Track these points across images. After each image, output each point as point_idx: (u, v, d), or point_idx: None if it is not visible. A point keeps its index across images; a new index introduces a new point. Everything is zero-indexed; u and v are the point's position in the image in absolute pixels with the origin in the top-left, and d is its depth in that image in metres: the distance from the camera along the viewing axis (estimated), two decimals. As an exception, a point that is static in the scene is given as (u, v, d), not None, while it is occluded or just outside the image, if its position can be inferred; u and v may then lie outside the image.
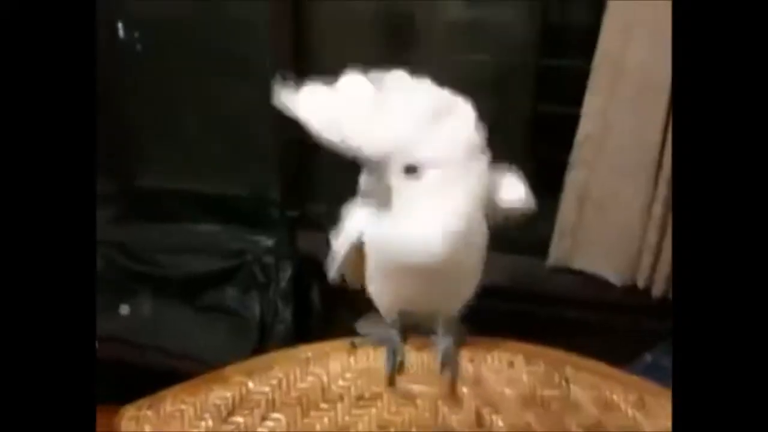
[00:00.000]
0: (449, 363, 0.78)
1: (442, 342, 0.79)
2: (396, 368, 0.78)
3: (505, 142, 1.63)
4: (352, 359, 0.81)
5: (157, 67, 1.58)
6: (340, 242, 0.77)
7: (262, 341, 1.38)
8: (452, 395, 0.78)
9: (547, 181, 1.53)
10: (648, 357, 1.36)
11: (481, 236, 0.73)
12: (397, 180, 0.66)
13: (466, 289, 0.79)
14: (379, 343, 0.80)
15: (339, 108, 0.64)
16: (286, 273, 1.40)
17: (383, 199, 0.67)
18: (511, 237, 1.64)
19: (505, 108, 1.62)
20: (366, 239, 0.74)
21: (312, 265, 1.46)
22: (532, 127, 1.62)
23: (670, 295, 1.41)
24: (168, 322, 1.41)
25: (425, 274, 0.70)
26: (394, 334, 0.80)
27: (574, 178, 1.43)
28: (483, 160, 0.69)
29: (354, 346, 0.80)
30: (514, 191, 0.74)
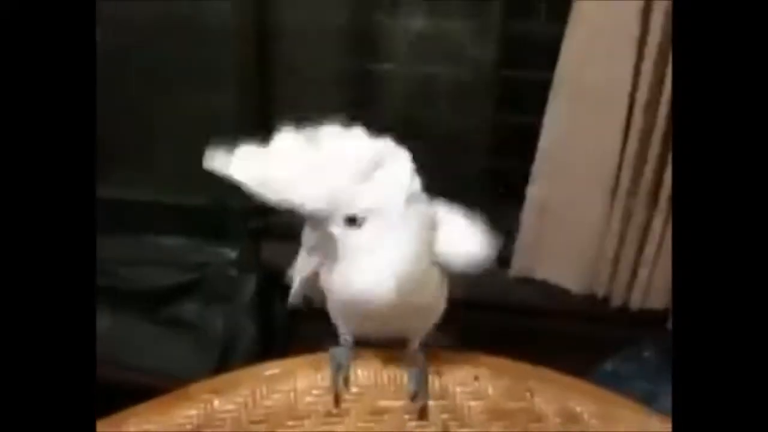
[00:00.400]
0: (421, 390, 0.78)
1: (413, 369, 0.79)
2: (339, 386, 0.78)
3: (465, 154, 1.67)
4: (318, 376, 0.80)
5: (118, 75, 1.55)
6: (297, 268, 0.77)
7: (225, 356, 1.36)
8: (423, 418, 0.79)
9: (508, 192, 1.56)
10: (608, 365, 1.38)
11: (435, 274, 0.73)
12: (339, 231, 0.67)
13: (427, 320, 0.79)
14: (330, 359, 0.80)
15: (274, 167, 0.65)
16: (250, 286, 1.39)
17: (330, 251, 0.69)
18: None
19: (466, 119, 1.64)
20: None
21: (276, 278, 1.45)
22: (492, 138, 1.63)
23: (629, 304, 1.44)
24: (127, 337, 1.39)
25: (378, 316, 0.72)
26: (341, 350, 0.80)
27: (534, 190, 1.46)
28: (424, 205, 0.71)
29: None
30: (465, 244, 0.74)
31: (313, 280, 0.77)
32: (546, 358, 0.86)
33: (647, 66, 1.30)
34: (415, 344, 0.81)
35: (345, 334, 0.81)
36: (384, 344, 0.81)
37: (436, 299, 0.77)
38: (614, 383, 1.28)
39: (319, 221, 0.67)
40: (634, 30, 1.29)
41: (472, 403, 0.79)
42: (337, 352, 0.81)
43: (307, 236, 0.69)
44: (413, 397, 0.78)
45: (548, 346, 0.95)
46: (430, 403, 0.79)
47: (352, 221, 0.67)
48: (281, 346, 1.42)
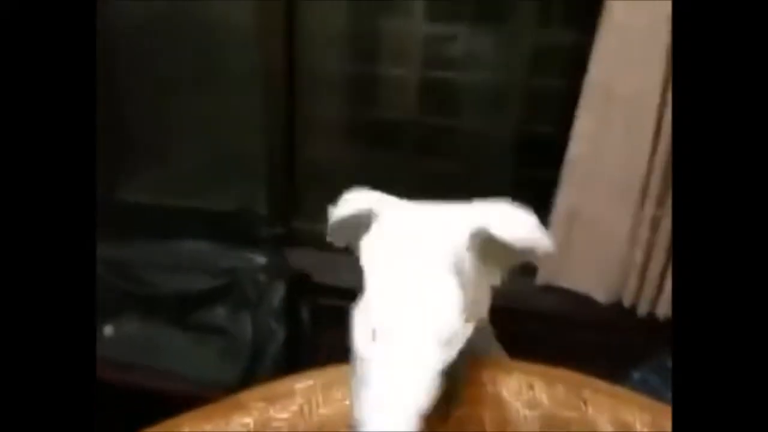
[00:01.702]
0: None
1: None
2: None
3: (492, 163, 1.67)
4: (373, 383, 0.80)
5: (146, 80, 1.55)
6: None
7: (254, 361, 1.36)
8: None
9: (534, 201, 1.56)
10: (635, 375, 1.38)
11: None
12: None
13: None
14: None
15: None
16: (279, 291, 1.39)
17: None
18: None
19: (493, 128, 1.64)
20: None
21: (304, 284, 1.46)
22: (520, 147, 1.64)
23: (656, 314, 1.45)
24: (157, 342, 1.38)
25: None
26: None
27: (563, 199, 1.46)
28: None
29: None
30: (522, 226, 0.73)
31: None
32: (572, 368, 0.86)
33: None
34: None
35: None
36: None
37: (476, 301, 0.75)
38: (641, 393, 1.28)
39: None
40: (664, 37, 1.29)
41: (527, 412, 0.79)
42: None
43: None
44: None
45: (574, 355, 0.95)
46: (486, 412, 0.79)
47: None
48: (309, 352, 1.42)
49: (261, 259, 1.40)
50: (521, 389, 0.80)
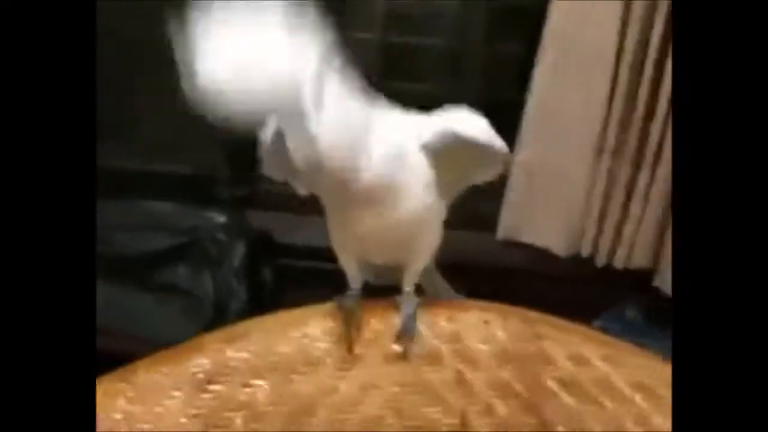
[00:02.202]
0: (407, 332, 0.78)
1: (404, 308, 0.79)
2: (351, 333, 0.78)
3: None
4: (330, 323, 0.80)
5: (104, 45, 1.51)
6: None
7: (216, 320, 1.35)
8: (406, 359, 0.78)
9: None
10: (595, 324, 1.41)
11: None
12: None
13: (422, 246, 0.78)
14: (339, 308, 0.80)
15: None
16: (239, 250, 1.38)
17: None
18: (459, 212, 1.68)
19: (451, 90, 1.64)
20: None
21: (265, 242, 1.45)
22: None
23: (613, 264, 1.47)
24: (118, 302, 1.36)
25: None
26: (351, 298, 0.80)
27: (521, 154, 1.47)
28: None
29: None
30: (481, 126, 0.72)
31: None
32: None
33: (633, 26, 1.32)
34: (410, 283, 0.81)
35: (350, 277, 0.81)
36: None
37: (428, 216, 0.75)
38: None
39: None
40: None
41: (483, 347, 0.80)
42: (346, 299, 0.81)
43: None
44: (398, 339, 0.78)
45: (536, 308, 0.97)
46: (443, 347, 0.80)
47: None
48: (271, 310, 1.41)
49: (221, 218, 1.39)
50: (477, 325, 0.81)
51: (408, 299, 0.80)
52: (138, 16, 1.54)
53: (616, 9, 1.32)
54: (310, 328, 0.80)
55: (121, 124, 1.53)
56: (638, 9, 1.31)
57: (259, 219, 1.52)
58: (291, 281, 1.49)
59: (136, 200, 1.43)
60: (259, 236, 1.44)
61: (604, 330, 1.38)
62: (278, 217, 1.51)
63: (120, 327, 1.33)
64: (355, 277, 0.81)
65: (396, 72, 1.67)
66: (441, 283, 0.85)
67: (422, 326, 0.80)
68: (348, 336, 0.78)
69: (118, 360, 0.83)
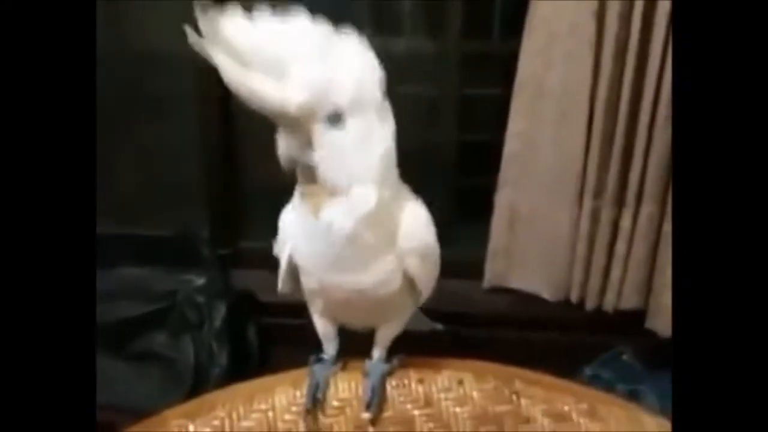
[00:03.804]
0: (374, 400, 0.76)
1: (372, 376, 0.78)
2: (314, 403, 0.76)
3: (430, 170, 1.66)
4: (297, 392, 0.78)
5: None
6: (279, 252, 0.76)
7: (197, 386, 1.31)
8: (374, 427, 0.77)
9: (475, 206, 1.56)
10: (587, 370, 1.37)
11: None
12: (319, 135, 0.63)
13: (393, 311, 0.77)
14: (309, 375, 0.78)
15: (251, 67, 0.59)
16: (220, 312, 1.35)
17: (307, 161, 0.64)
18: (445, 260, 1.66)
19: (429, 138, 1.64)
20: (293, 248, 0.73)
21: (246, 303, 1.42)
22: (456, 155, 1.63)
23: (603, 307, 1.44)
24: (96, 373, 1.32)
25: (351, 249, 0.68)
26: (323, 365, 0.79)
27: (502, 198, 1.45)
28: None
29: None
30: (412, 227, 0.71)
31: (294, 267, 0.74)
32: (524, 368, 0.85)
33: (605, 67, 1.31)
34: (379, 349, 0.79)
35: (326, 342, 0.79)
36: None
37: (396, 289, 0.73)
38: (596, 387, 1.27)
39: (296, 125, 0.62)
40: (590, 32, 1.30)
41: (458, 409, 0.77)
42: (317, 368, 0.78)
43: (284, 147, 0.64)
44: (367, 407, 0.76)
45: (525, 356, 0.94)
46: (415, 412, 0.77)
47: (336, 119, 0.62)
48: (254, 373, 1.38)
49: (200, 280, 1.36)
50: (451, 385, 0.78)
51: (376, 367, 0.78)
52: (115, 75, 1.55)
53: (586, 49, 1.31)
54: (277, 398, 0.77)
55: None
56: (608, 48, 1.31)
57: (241, 278, 1.50)
58: (276, 339, 1.46)
59: (111, 266, 1.41)
60: (241, 296, 1.42)
61: (597, 377, 1.35)
62: (261, 275, 1.49)
63: (99, 398, 1.29)
64: (330, 343, 0.79)
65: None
66: (417, 314, 0.83)
67: (393, 391, 0.77)
68: (308, 407, 0.76)
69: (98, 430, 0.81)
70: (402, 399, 0.77)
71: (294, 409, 0.76)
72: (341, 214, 0.64)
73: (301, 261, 0.72)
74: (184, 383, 1.31)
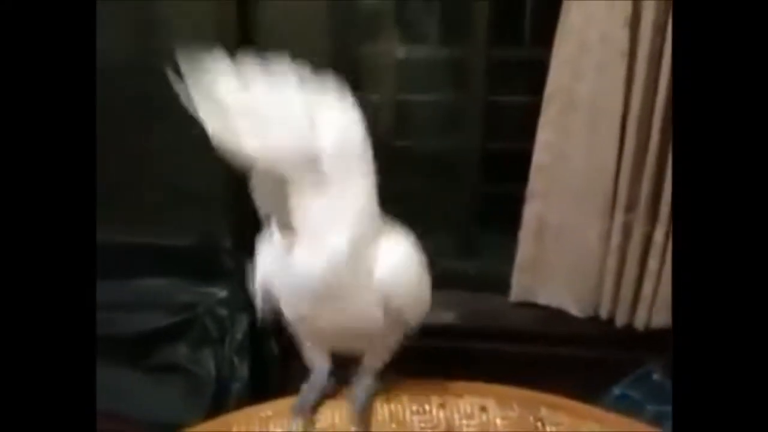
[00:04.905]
0: (362, 416, 0.76)
1: (359, 392, 0.77)
2: (308, 408, 0.77)
3: (455, 179, 1.63)
4: (314, 416, 0.76)
5: (98, 116, 1.51)
6: (256, 284, 0.78)
7: (218, 399, 1.30)
8: None
9: (502, 215, 1.52)
10: (615, 390, 1.33)
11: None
12: (298, 187, 0.64)
13: (379, 340, 0.77)
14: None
15: (236, 120, 0.61)
16: (242, 326, 1.33)
17: (284, 211, 0.66)
18: (471, 274, 1.64)
19: (454, 146, 1.61)
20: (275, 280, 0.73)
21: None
22: (483, 165, 1.60)
23: (634, 324, 1.39)
24: (115, 386, 1.32)
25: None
26: (313, 388, 0.79)
27: (530, 210, 1.42)
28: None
29: None
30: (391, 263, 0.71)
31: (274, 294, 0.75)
32: (551, 386, 0.82)
33: (639, 77, 1.27)
34: (367, 372, 0.79)
35: (316, 367, 0.79)
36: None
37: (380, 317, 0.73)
38: (624, 408, 1.23)
39: (277, 177, 0.64)
40: (623, 42, 1.27)
41: (481, 437, 0.75)
42: (309, 391, 0.79)
43: (260, 197, 0.66)
44: (354, 424, 0.75)
45: (552, 373, 0.91)
46: (435, 439, 0.74)
47: (315, 172, 0.64)
48: (275, 386, 1.36)
49: (222, 293, 1.35)
50: (473, 411, 0.76)
51: (363, 385, 0.77)
52: (135, 83, 1.54)
53: (619, 59, 1.27)
54: (294, 423, 0.75)
55: (110, 194, 1.51)
56: (642, 57, 1.27)
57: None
58: (298, 354, 1.44)
59: (131, 277, 1.40)
60: (263, 309, 1.40)
61: (626, 396, 1.31)
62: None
63: (118, 409, 1.28)
64: (321, 368, 0.79)
65: (401, 129, 1.64)
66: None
67: (413, 417, 0.75)
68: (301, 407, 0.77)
69: None
70: (423, 425, 0.75)
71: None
72: (313, 260, 0.66)
73: (279, 293, 0.72)
74: (205, 397, 1.30)
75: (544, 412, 0.76)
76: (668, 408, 1.25)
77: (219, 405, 1.29)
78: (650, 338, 1.38)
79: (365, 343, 0.76)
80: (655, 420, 1.18)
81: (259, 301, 0.76)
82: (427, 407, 0.76)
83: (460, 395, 0.77)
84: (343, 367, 0.82)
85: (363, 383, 0.78)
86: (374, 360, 0.78)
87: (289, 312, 0.75)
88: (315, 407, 0.76)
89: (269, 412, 0.77)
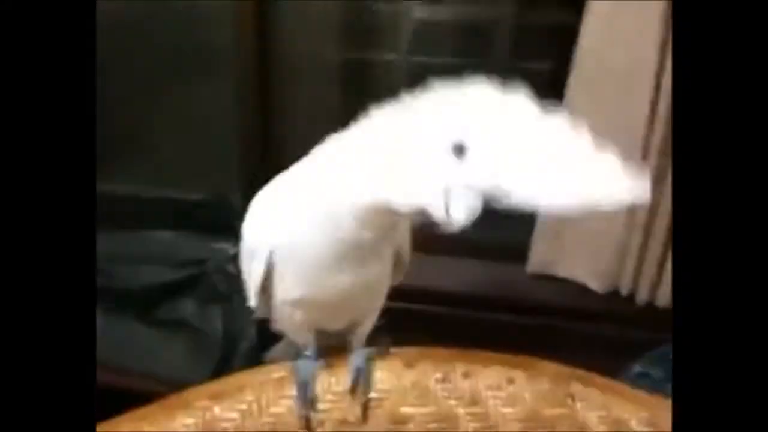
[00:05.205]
0: (361, 383, 0.71)
1: (356, 359, 0.72)
2: (310, 404, 0.70)
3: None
4: (333, 379, 0.72)
5: (108, 67, 1.47)
6: (254, 266, 0.67)
7: (225, 358, 1.27)
8: (365, 418, 0.70)
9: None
10: (636, 367, 1.29)
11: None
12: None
13: (375, 299, 0.72)
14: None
15: None
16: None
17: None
18: (489, 243, 1.59)
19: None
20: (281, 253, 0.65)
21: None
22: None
23: (655, 302, 1.35)
24: (122, 339, 1.29)
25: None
26: (304, 365, 0.72)
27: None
28: None
29: None
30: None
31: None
32: (569, 361, 0.78)
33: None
34: (359, 340, 0.74)
35: (304, 343, 0.74)
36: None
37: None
38: (644, 386, 1.20)
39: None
40: (659, 11, 1.20)
41: (507, 410, 0.71)
42: (301, 365, 0.72)
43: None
44: (351, 391, 0.70)
45: (569, 348, 0.87)
46: (460, 410, 0.70)
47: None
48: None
49: (232, 249, 1.30)
50: (500, 384, 0.72)
51: (358, 353, 0.72)
52: (147, 36, 1.50)
53: (653, 23, 1.21)
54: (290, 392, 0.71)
55: (121, 145, 1.47)
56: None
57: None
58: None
59: (140, 230, 1.36)
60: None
61: (646, 375, 1.27)
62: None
63: (124, 363, 1.26)
64: (310, 343, 0.73)
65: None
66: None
67: (437, 385, 0.71)
68: (302, 410, 0.70)
69: (120, 397, 0.77)
70: (446, 394, 0.71)
71: (329, 397, 0.70)
72: None
73: (294, 263, 0.65)
74: (213, 354, 1.27)
75: (575, 387, 0.71)
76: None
77: (226, 364, 1.25)
78: (671, 317, 1.34)
79: (362, 311, 0.71)
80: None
81: (256, 288, 0.69)
82: (451, 376, 0.71)
83: (486, 365, 0.72)
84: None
85: (360, 352, 0.73)
86: (366, 326, 0.73)
87: (291, 291, 0.67)
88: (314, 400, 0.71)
89: (283, 372, 0.72)
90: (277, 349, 0.86)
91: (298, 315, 0.70)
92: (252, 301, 0.70)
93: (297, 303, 0.68)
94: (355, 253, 0.61)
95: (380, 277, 0.68)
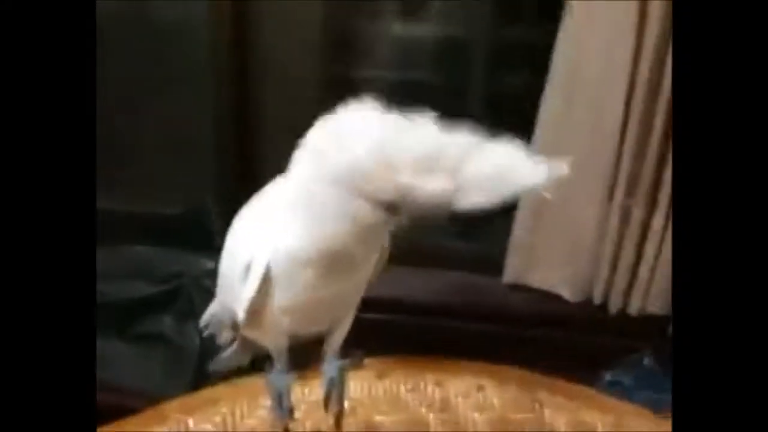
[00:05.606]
0: (334, 393, 0.71)
1: (329, 370, 0.72)
2: (288, 415, 0.70)
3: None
4: (306, 390, 0.73)
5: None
6: (250, 280, 0.66)
7: (202, 373, 1.27)
8: (337, 428, 0.71)
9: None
10: (608, 375, 1.31)
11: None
12: None
13: (348, 307, 0.73)
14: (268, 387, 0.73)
15: None
16: (228, 297, 1.30)
17: None
18: (464, 254, 1.61)
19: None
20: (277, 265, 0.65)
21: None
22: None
23: (627, 310, 1.38)
24: (100, 353, 1.28)
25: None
26: (280, 375, 0.73)
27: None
28: None
29: None
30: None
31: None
32: (542, 370, 0.80)
33: (645, 60, 1.24)
34: (333, 349, 0.74)
35: (278, 355, 0.75)
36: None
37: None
38: (614, 394, 1.22)
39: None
40: (632, 16, 1.23)
41: (476, 416, 0.72)
42: (274, 378, 0.73)
43: None
44: (325, 401, 0.71)
45: (542, 357, 0.88)
46: (430, 416, 0.72)
47: None
48: (261, 362, 1.33)
49: (208, 264, 1.31)
50: (470, 391, 0.73)
51: (331, 363, 0.73)
52: (129, 51, 1.50)
53: (627, 39, 1.24)
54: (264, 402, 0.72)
55: (98, 161, 1.46)
56: (650, 38, 1.23)
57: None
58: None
59: (116, 245, 1.36)
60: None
61: (617, 383, 1.29)
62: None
63: (102, 377, 1.25)
64: (283, 356, 0.74)
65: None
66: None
67: (408, 394, 0.72)
68: (280, 421, 0.70)
69: (100, 410, 0.77)
70: (417, 402, 0.72)
71: (303, 407, 0.71)
72: None
73: (290, 273, 0.65)
74: (188, 369, 1.27)
75: (542, 393, 0.73)
76: (659, 395, 1.24)
77: (202, 379, 1.25)
78: (643, 325, 1.36)
79: (342, 314, 0.72)
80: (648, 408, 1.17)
81: (248, 304, 0.66)
82: (422, 385, 0.73)
83: (456, 374, 0.74)
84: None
85: (333, 363, 0.74)
86: (339, 336, 0.74)
87: (281, 297, 0.66)
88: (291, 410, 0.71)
89: (258, 385, 0.73)
90: (222, 359, 0.86)
91: (285, 322, 0.70)
92: (241, 314, 0.68)
93: (286, 310, 0.68)
94: (349, 259, 0.62)
95: (365, 279, 0.68)
